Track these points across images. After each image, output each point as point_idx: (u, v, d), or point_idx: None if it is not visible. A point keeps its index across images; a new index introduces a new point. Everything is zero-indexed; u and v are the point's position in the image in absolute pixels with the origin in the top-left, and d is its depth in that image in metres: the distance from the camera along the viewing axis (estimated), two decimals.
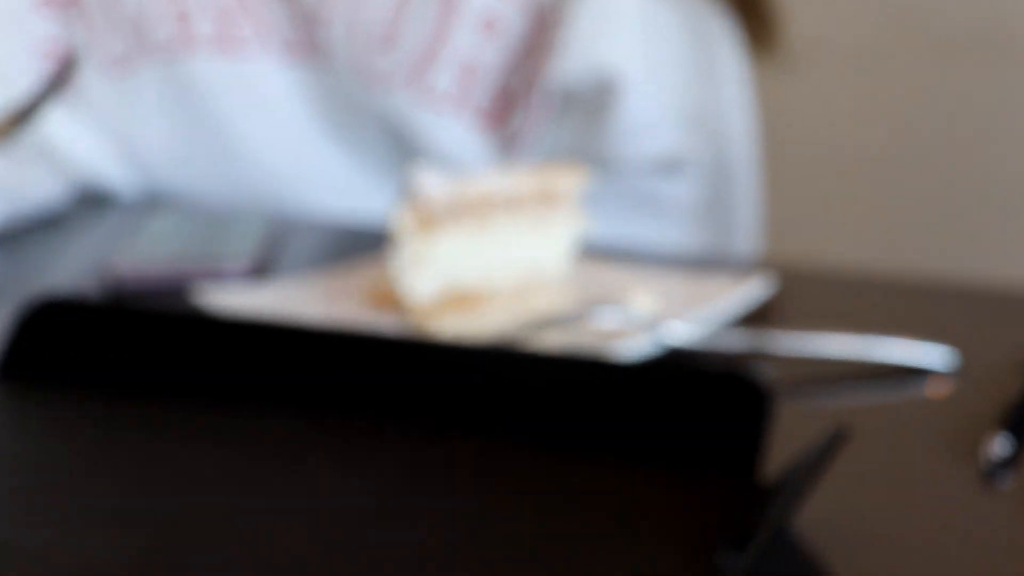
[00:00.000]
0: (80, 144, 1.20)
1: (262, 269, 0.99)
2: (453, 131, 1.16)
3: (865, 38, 1.75)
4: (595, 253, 0.95)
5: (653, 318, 0.83)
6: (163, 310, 0.77)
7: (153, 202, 1.21)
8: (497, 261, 0.87)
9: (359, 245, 1.11)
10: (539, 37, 1.16)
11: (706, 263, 1.06)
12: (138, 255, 0.99)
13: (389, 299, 0.88)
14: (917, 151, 1.77)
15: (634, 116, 1.15)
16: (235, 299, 0.87)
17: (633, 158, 1.17)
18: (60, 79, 1.18)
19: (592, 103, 1.16)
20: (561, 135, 1.18)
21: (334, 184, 1.22)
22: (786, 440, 0.67)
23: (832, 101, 1.78)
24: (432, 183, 0.85)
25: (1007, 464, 0.68)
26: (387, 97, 1.17)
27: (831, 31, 1.69)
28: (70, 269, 1.03)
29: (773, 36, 1.20)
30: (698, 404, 0.66)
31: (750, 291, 0.87)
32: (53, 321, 0.72)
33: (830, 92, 1.77)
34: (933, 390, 0.78)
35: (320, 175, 1.22)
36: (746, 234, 1.25)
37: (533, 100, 1.15)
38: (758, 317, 0.88)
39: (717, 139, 1.21)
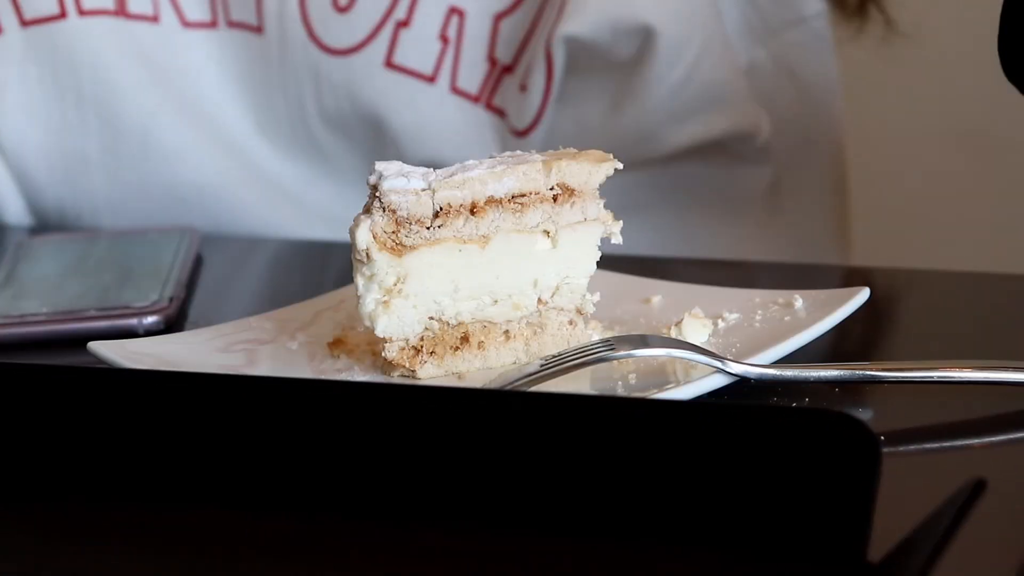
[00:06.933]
0: None
1: (181, 312, 0.97)
2: (430, 108, 1.15)
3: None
4: (630, 266, 0.93)
5: (714, 348, 0.81)
6: (55, 367, 0.76)
7: (37, 225, 1.20)
8: (496, 285, 0.84)
9: (311, 272, 1.09)
10: None
11: (777, 271, 1.05)
12: (15, 302, 0.97)
13: (355, 344, 0.86)
14: None
15: (676, 81, 1.15)
16: (145, 354, 0.85)
17: (683, 136, 1.17)
18: None
19: (621, 67, 1.16)
20: (585, 113, 1.18)
21: (273, 188, 1.21)
22: (899, 499, 0.65)
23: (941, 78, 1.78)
24: (401, 183, 0.82)
25: None
26: (344, 72, 1.16)
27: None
28: None
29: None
30: (784, 458, 0.64)
31: (837, 304, 0.84)
32: None
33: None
34: None
35: (255, 176, 1.21)
36: (835, 233, 1.24)
37: (536, 66, 1.14)
38: (851, 337, 0.86)
39: (799, 113, 1.21)
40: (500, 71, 1.16)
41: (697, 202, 1.23)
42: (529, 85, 1.15)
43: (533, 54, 1.15)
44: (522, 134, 1.16)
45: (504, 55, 1.16)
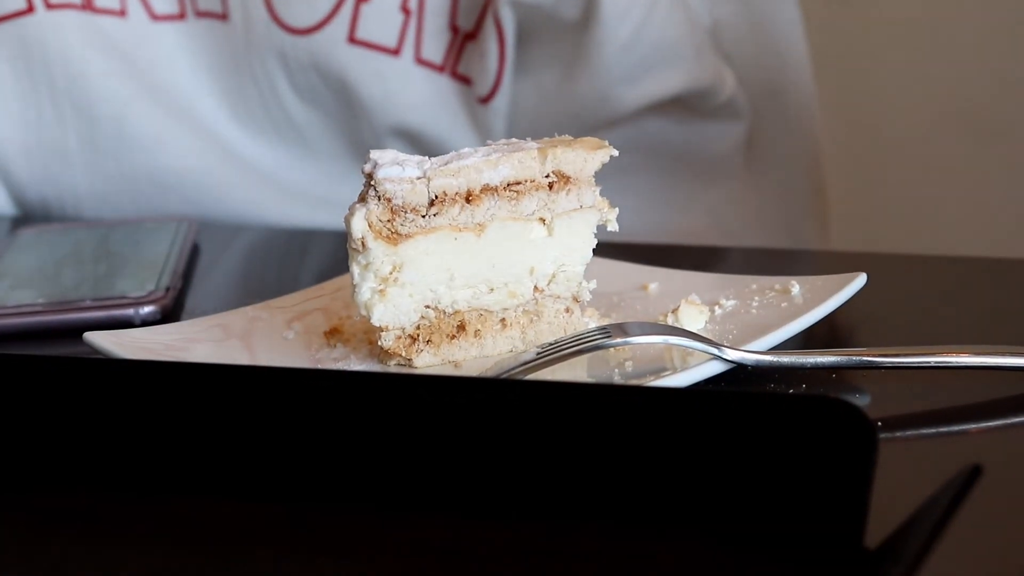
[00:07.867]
0: None
1: (177, 302, 0.96)
2: (397, 80, 1.16)
3: None
4: (626, 253, 0.92)
5: (711, 334, 0.81)
6: (51, 358, 0.75)
7: (23, 217, 1.20)
8: (492, 273, 0.84)
9: (307, 260, 1.08)
10: None
11: (774, 257, 1.05)
12: (11, 293, 0.97)
13: (351, 333, 0.85)
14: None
15: (625, 40, 1.16)
16: (141, 344, 0.84)
17: (638, 96, 1.18)
18: None
19: (572, 31, 1.17)
20: (544, 80, 1.18)
21: (251, 171, 1.21)
22: (895, 485, 0.65)
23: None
24: (396, 172, 0.82)
25: None
26: (308, 50, 1.17)
27: None
28: None
29: None
30: (781, 444, 0.63)
31: (834, 290, 0.84)
32: None
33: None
34: None
35: (234, 161, 1.21)
36: (812, 195, 1.25)
37: (490, 32, 1.15)
38: (847, 323, 0.86)
39: (766, 65, 1.21)
40: (462, 39, 1.17)
41: (674, 163, 1.23)
42: (485, 51, 1.16)
43: (490, 20, 1.16)
44: (484, 101, 1.17)
45: (465, 23, 1.17)
